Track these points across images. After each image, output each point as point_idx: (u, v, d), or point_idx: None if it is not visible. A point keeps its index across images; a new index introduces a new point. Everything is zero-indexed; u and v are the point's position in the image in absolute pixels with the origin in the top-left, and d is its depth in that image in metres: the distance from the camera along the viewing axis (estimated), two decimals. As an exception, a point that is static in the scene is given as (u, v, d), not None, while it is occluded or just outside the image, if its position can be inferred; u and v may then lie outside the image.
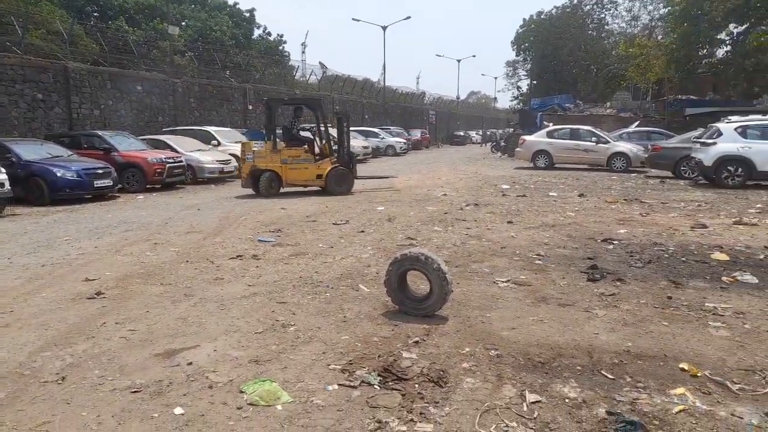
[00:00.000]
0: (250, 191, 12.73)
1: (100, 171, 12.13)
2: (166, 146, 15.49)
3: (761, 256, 6.23)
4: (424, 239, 7.42)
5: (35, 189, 11.32)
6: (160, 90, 21.94)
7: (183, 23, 35.57)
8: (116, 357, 3.62)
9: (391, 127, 36.38)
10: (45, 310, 4.59)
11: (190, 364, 3.48)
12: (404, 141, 32.72)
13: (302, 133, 13.31)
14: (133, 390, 3.15)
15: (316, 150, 12.98)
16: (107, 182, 12.20)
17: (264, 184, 12.47)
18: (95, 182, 11.89)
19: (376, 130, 32.09)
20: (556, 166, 19.72)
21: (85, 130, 16.52)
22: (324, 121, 12.80)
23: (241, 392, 3.09)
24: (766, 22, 19.83)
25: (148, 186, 13.70)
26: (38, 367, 3.47)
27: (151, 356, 3.62)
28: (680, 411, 2.84)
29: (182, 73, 24.80)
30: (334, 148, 12.96)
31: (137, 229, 8.46)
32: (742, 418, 2.77)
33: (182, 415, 2.87)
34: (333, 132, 13.33)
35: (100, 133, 14.71)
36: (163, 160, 13.90)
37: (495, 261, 6.16)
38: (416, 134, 39.41)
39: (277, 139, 12.84)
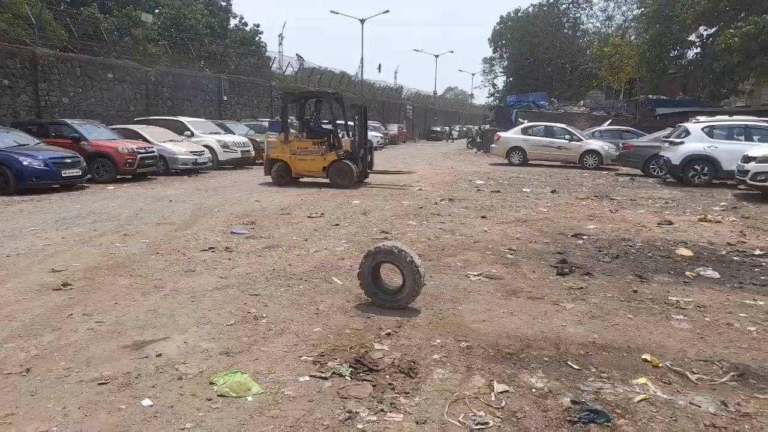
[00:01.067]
0: (217, 182, 12.57)
1: (68, 160, 11.82)
2: (138, 136, 15.15)
3: (723, 252, 6.44)
4: (399, 233, 7.46)
5: (0, 178, 10.98)
6: (132, 78, 21.46)
7: (156, 11, 34.78)
8: (83, 349, 3.56)
9: (369, 121, 36.29)
10: (9, 301, 4.48)
11: (160, 355, 3.44)
12: (381, 135, 32.72)
13: (324, 126, 13.36)
14: (100, 382, 3.10)
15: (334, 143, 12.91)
16: (76, 172, 11.90)
17: (275, 173, 12.96)
18: (63, 172, 11.58)
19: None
20: (530, 162, 19.98)
21: (54, 118, 16.07)
22: (341, 115, 12.79)
23: (212, 384, 3.08)
24: (735, 25, 20.37)
25: (118, 176, 13.41)
26: (2, 359, 3.39)
27: (119, 348, 3.57)
28: (642, 400, 2.93)
29: (155, 62, 24.28)
30: (344, 140, 12.97)
31: (106, 220, 8.30)
32: (699, 406, 2.88)
33: (150, 406, 2.84)
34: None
35: (68, 121, 14.31)
36: (135, 150, 13.62)
37: (468, 255, 6.23)
38: (393, 129, 39.46)
39: (295, 131, 13.24)
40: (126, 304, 4.41)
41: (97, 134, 14.04)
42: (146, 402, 2.88)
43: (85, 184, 12.51)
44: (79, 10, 26.09)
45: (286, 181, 12.84)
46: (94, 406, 2.85)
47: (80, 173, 12.03)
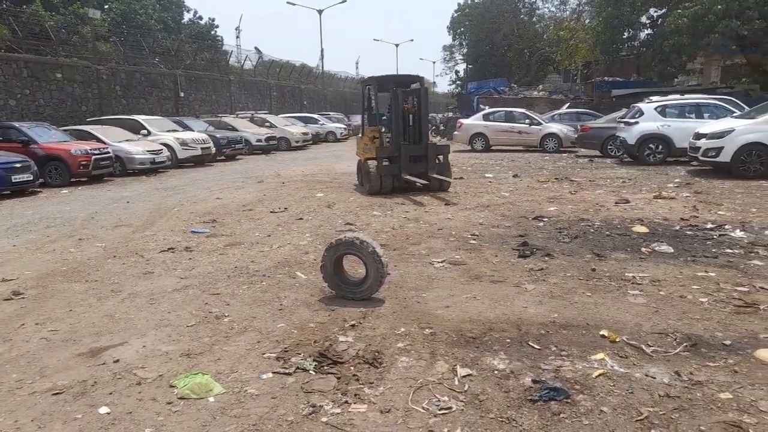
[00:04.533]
0: (176, 180, 12.30)
1: (18, 165, 11.35)
2: (92, 137, 14.67)
3: (677, 228, 6.66)
4: (364, 224, 7.44)
5: (-56, 186, 10.48)
6: (83, 78, 20.73)
7: (105, 6, 33.64)
8: (36, 359, 3.43)
9: (331, 113, 36.09)
10: (-44, 314, 4.29)
11: (117, 361, 3.35)
12: (345, 126, 32.54)
13: (383, 118, 11.15)
14: (55, 392, 3.01)
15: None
16: (27, 177, 11.45)
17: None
18: (13, 177, 11.12)
19: (315, 116, 31.77)
20: (492, 148, 20.19)
21: (0, 122, 15.39)
22: (402, 104, 9.98)
23: (172, 387, 3.02)
24: (683, 6, 20.95)
25: (72, 179, 12.97)
26: (-52, 376, 3.24)
27: (74, 356, 3.46)
28: (599, 375, 3.01)
29: (106, 60, 23.50)
30: (388, 137, 10.32)
31: (60, 225, 8.01)
32: (654, 378, 2.97)
33: (108, 414, 2.77)
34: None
35: (17, 124, 13.72)
36: (88, 151, 13.17)
37: (432, 242, 6.27)
38: (357, 120, 39.23)
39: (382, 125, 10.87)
40: (81, 311, 4.28)
41: (48, 137, 13.54)
42: (103, 410, 2.80)
43: (38, 189, 12.06)
44: (22, 8, 24.99)
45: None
46: (48, 418, 2.76)
47: (31, 178, 11.59)
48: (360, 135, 11.33)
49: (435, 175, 9.87)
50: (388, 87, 10.52)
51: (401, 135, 9.95)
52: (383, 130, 10.47)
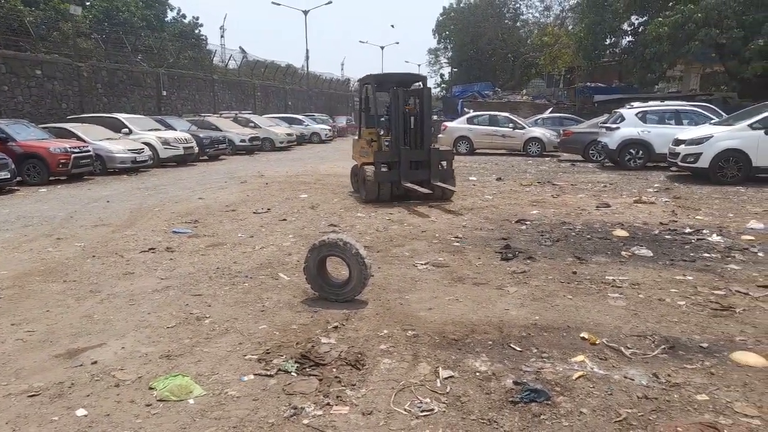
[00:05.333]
0: (158, 180, 12.17)
1: (-6, 163, 11.14)
2: (72, 135, 14.44)
3: (656, 232, 6.76)
4: (348, 225, 7.43)
5: None
6: (63, 75, 20.40)
7: (87, 3, 33.12)
8: (11, 360, 3.36)
9: (316, 114, 36.00)
10: (-72, 315, 4.18)
11: (95, 363, 3.30)
12: (329, 128, 32.49)
13: (381, 120, 10.19)
14: (31, 394, 2.95)
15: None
16: (4, 175, 11.22)
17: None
18: (-11, 175, 10.91)
19: (300, 116, 31.64)
20: (476, 151, 20.32)
21: (-23, 119, 15.08)
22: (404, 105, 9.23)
23: (151, 389, 2.98)
24: (663, 14, 21.32)
25: (51, 178, 12.76)
26: None
27: (51, 357, 3.40)
28: (580, 377, 3.04)
29: (88, 57, 23.15)
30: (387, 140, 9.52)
31: (38, 224, 7.87)
32: (633, 379, 3.01)
33: (85, 416, 2.72)
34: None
35: (-6, 121, 13.47)
36: (68, 149, 12.96)
37: (415, 245, 6.28)
38: (342, 121, 39.22)
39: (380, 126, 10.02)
40: (59, 312, 4.20)
41: (27, 134, 13.29)
42: (81, 412, 2.76)
43: (15, 188, 11.84)
44: (1, 3, 24.51)
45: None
46: (24, 420, 2.70)
47: (9, 176, 11.36)
48: (357, 137, 10.67)
49: (438, 183, 9.11)
50: (388, 86, 9.76)
51: (401, 138, 9.17)
52: (381, 132, 9.64)
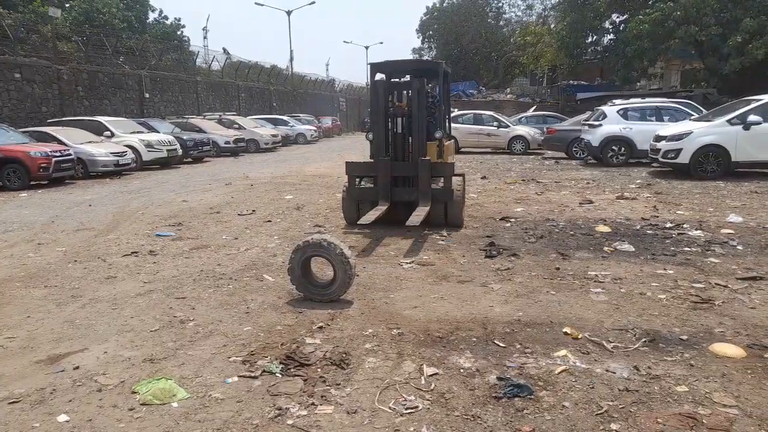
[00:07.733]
0: (141, 183, 12.05)
1: (-27, 168, 10.95)
2: (52, 138, 14.22)
3: (638, 227, 6.85)
4: (333, 226, 7.42)
5: None
6: (43, 78, 20.10)
7: (67, 5, 32.70)
8: (-9, 368, 3.31)
9: (301, 115, 35.89)
10: None
11: (77, 368, 3.26)
12: (315, 129, 32.42)
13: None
14: (11, 401, 2.91)
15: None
16: (-18, 180, 11.05)
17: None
18: (-32, 180, 10.72)
19: (285, 117, 31.53)
20: (462, 150, 20.39)
21: (-46, 123, 14.81)
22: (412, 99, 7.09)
23: (134, 393, 2.95)
24: (643, 12, 21.60)
25: (32, 182, 12.57)
26: None
27: (32, 363, 3.35)
28: (562, 371, 3.07)
29: (68, 60, 22.82)
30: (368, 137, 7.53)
31: (19, 229, 7.75)
32: (614, 373, 3.05)
33: (67, 422, 2.69)
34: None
35: (-29, 125, 13.26)
36: (49, 153, 12.77)
37: (400, 243, 6.29)
38: (327, 122, 39.15)
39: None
40: (40, 317, 4.15)
41: (6, 138, 13.08)
42: (62, 418, 2.73)
43: (-6, 193, 11.64)
44: (-22, 5, 24.11)
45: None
46: (4, 428, 2.66)
47: (-13, 181, 11.18)
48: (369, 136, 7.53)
49: (418, 213, 6.44)
50: (398, 76, 7.99)
51: (383, 147, 7.15)
52: (370, 137, 7.33)
